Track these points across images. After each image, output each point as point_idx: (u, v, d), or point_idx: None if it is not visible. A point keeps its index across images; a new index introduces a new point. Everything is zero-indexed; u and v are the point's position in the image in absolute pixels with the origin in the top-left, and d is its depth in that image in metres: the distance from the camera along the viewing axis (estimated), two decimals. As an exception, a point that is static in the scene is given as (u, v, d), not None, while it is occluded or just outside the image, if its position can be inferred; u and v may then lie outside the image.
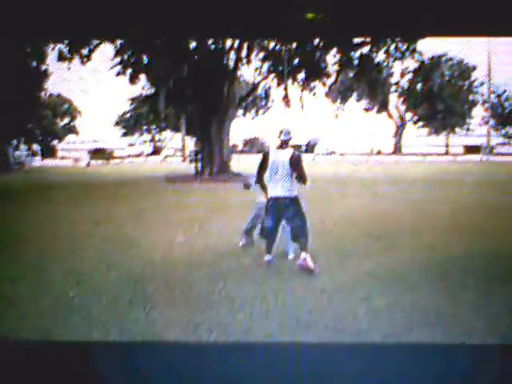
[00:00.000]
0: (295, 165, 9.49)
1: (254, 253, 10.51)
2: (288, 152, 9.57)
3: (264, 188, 9.90)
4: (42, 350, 5.61)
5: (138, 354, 5.55)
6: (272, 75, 35.34)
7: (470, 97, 67.59)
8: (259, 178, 9.90)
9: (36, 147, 64.50)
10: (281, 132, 9.60)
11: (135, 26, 5.79)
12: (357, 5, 5.23)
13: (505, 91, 66.84)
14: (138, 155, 67.34)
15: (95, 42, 32.90)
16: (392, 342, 6.33)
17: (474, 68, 66.07)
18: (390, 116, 66.32)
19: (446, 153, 67.15)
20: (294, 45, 33.01)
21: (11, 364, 5.13)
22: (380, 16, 5.26)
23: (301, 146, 69.27)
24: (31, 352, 5.49)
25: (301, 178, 9.51)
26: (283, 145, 9.62)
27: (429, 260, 10.21)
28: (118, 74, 34.20)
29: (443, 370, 5.01)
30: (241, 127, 74.36)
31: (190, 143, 47.99)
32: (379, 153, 63.79)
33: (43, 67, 39.77)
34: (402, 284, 8.57)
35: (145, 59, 33.41)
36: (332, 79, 36.53)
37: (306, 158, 9.64)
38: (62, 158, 63.05)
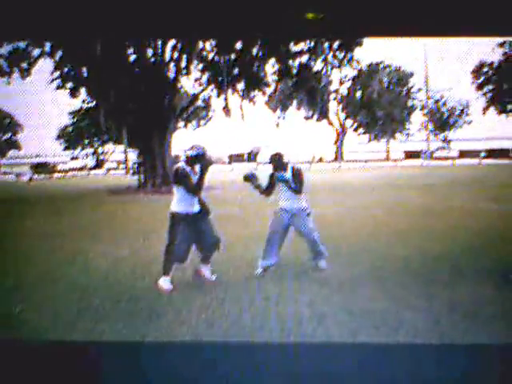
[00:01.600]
0: (176, 180, 9.28)
1: (197, 264, 10.61)
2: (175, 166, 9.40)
3: None
4: (42, 350, 5.64)
5: (138, 354, 5.59)
6: (212, 85, 35.45)
7: (409, 103, 68.52)
8: None
9: (-23, 163, 63.56)
10: (192, 147, 9.31)
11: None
12: (356, 5, 5.31)
13: (442, 97, 68.02)
14: (81, 169, 66.73)
15: (34, 55, 32.71)
16: (392, 342, 6.46)
17: (412, 74, 67.07)
18: (330, 123, 66.83)
19: (387, 158, 67.90)
20: (233, 55, 33.17)
21: (11, 364, 5.16)
22: (380, 16, 5.35)
23: (239, 155, 69.35)
24: (31, 352, 5.52)
25: (188, 191, 9.20)
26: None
27: (369, 264, 10.43)
28: (58, 88, 33.97)
29: (442, 370, 5.11)
30: (182, 138, 74.17)
31: (133, 155, 47.78)
32: (320, 160, 64.14)
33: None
34: (346, 288, 8.77)
35: (85, 72, 33.25)
36: (272, 88, 36.81)
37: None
38: (5, 173, 62.18)
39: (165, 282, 9.11)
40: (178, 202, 9.27)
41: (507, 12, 5.13)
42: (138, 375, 5.17)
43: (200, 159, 9.24)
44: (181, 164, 9.27)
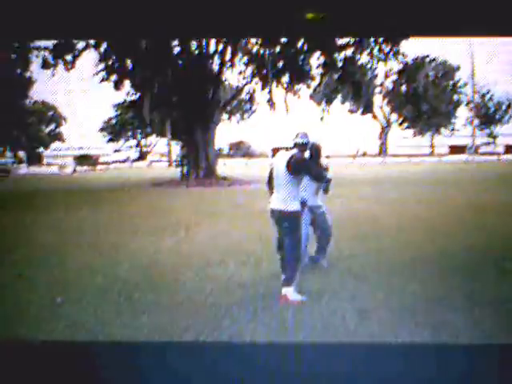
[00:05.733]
0: (297, 168, 7.87)
1: (240, 258, 10.48)
2: (287, 154, 7.96)
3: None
4: (42, 350, 5.61)
5: (138, 354, 5.55)
6: (256, 79, 35.34)
7: (455, 97, 67.98)
8: (269, 185, 8.59)
9: (22, 154, 64.49)
10: (296, 135, 8.09)
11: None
12: (357, 5, 5.22)
13: (488, 91, 67.34)
14: (124, 161, 67.29)
15: (79, 47, 32.87)
16: (392, 342, 6.32)
17: (458, 68, 66.49)
18: (374, 117, 66.57)
19: (431, 153, 67.45)
20: (278, 48, 33.03)
21: (11, 364, 5.13)
22: (382, 16, 5.25)
23: (282, 148, 69.21)
24: (31, 352, 5.49)
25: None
26: (294, 148, 8.09)
27: (411, 259, 10.23)
28: (102, 80, 34.15)
29: (443, 370, 5.01)
30: (226, 131, 74.65)
31: (176, 148, 48.01)
32: (364, 154, 64.00)
33: (27, 74, 39.64)
34: (387, 284, 8.59)
35: (129, 65, 33.33)
36: (316, 82, 36.65)
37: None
38: (48, 164, 62.98)
39: (296, 296, 7.95)
40: (295, 197, 7.98)
41: (507, 12, 5.00)
42: (138, 375, 5.11)
43: (307, 147, 8.17)
44: (295, 151, 8.02)
